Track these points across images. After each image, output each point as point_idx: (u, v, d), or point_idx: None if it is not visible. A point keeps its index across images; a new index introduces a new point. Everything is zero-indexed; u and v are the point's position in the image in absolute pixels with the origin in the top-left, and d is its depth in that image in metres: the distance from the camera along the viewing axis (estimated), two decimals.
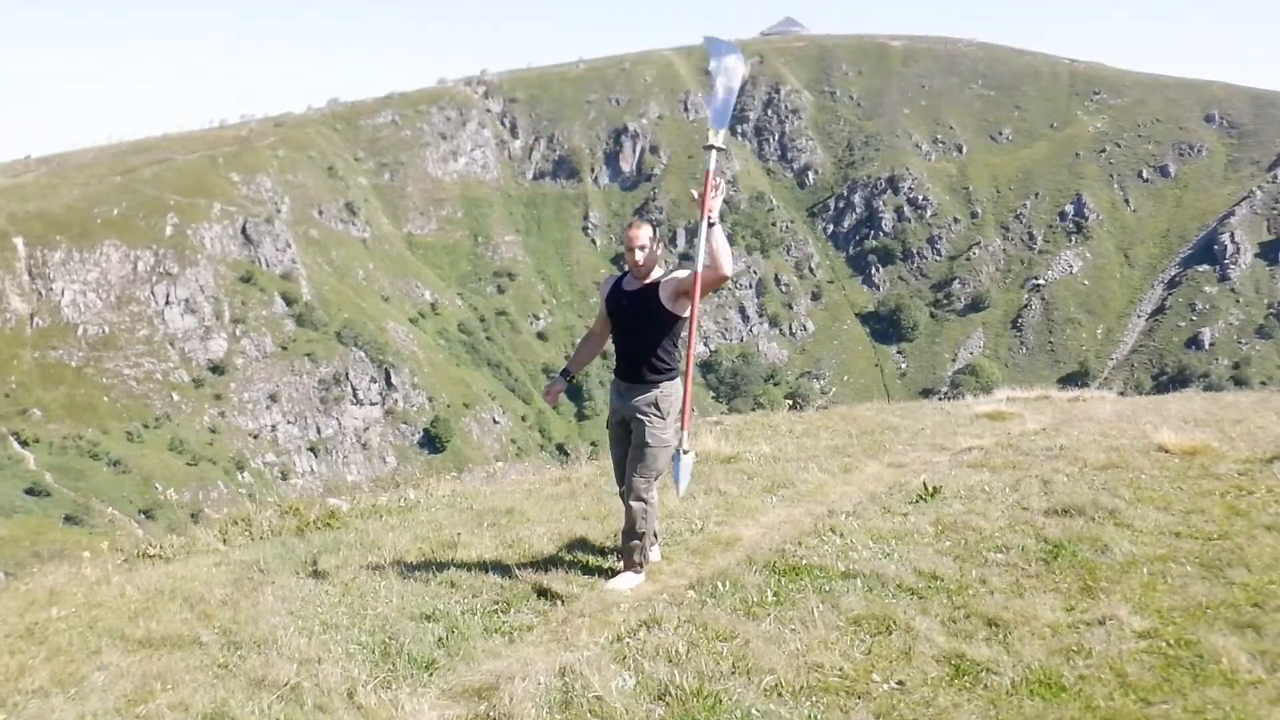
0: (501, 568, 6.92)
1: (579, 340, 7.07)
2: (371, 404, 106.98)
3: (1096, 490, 7.85)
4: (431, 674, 5.22)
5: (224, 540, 9.10)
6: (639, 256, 6.61)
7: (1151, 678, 4.64)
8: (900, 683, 4.74)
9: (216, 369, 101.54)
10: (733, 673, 4.90)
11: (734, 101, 6.71)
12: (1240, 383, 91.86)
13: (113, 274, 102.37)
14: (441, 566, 7.08)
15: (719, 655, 5.10)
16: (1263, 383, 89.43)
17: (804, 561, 6.49)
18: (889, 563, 6.38)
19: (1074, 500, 7.49)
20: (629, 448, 6.66)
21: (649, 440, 6.51)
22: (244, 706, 4.75)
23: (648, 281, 6.59)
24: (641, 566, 6.67)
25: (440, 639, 5.63)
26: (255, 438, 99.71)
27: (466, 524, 8.50)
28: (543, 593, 6.35)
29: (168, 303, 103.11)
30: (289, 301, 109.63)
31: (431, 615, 5.98)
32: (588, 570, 6.87)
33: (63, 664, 5.60)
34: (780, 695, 4.68)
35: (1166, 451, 8.99)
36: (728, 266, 6.28)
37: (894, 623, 5.40)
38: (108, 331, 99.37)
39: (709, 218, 6.26)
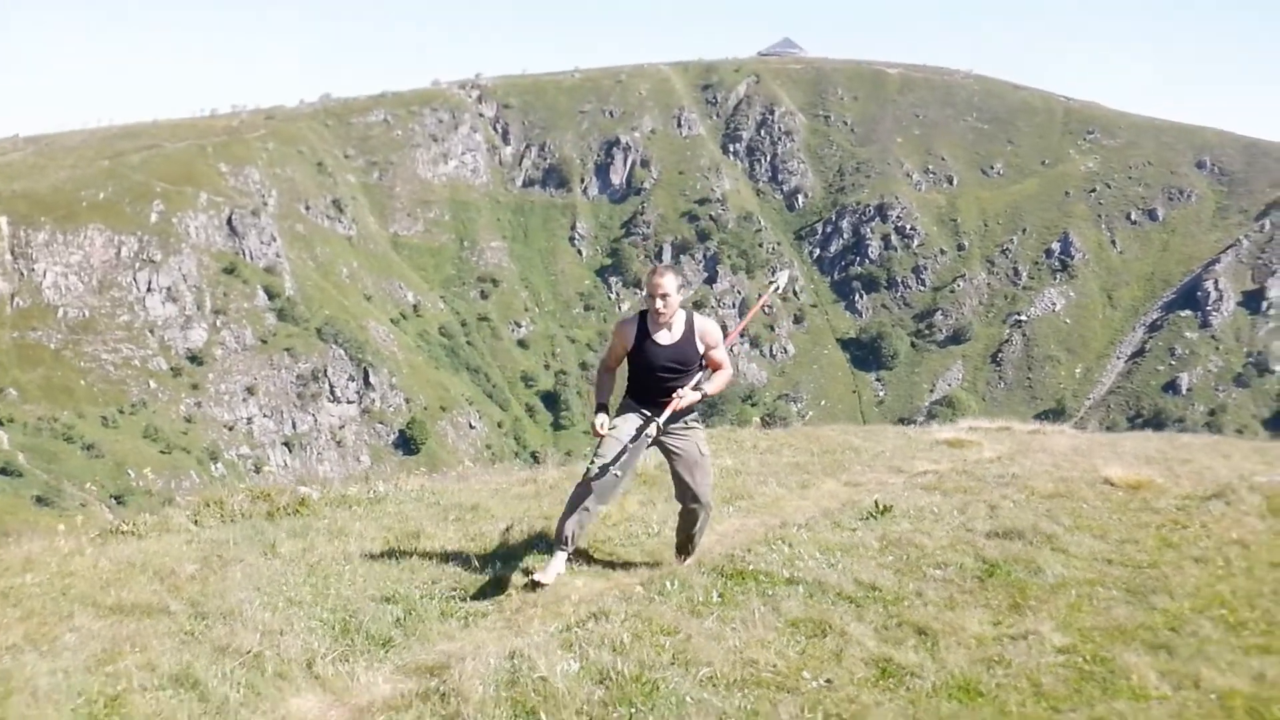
0: (462, 559, 7.20)
1: (596, 376, 7.15)
2: (349, 402, 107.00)
3: (1039, 516, 8.15)
4: (388, 651, 5.50)
5: (196, 521, 9.32)
6: (660, 305, 6.78)
7: (1064, 689, 4.93)
8: (828, 681, 5.02)
9: (195, 359, 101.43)
10: (672, 663, 5.18)
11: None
12: (1215, 430, 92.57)
13: (95, 258, 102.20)
14: (404, 555, 7.35)
15: (661, 647, 5.37)
16: (1238, 431, 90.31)
17: (751, 567, 6.78)
18: (832, 572, 6.66)
19: (1016, 524, 7.79)
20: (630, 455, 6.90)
21: (704, 451, 7.08)
22: (208, 670, 5.02)
23: (681, 333, 6.87)
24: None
25: (398, 619, 5.91)
26: (230, 429, 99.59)
27: (432, 517, 8.76)
28: (499, 583, 6.62)
29: (149, 290, 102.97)
30: (271, 295, 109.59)
31: (391, 598, 6.25)
32: (543, 566, 7.13)
33: (36, 625, 5.82)
34: (715, 686, 4.95)
35: (1112, 484, 9.30)
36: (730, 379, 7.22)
37: (829, 627, 5.68)
38: (88, 315, 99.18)
39: (697, 398, 6.91)
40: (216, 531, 8.66)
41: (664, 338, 6.84)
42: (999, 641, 5.53)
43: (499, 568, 6.95)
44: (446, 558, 7.23)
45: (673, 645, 5.41)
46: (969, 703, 4.79)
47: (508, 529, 8.14)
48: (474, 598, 6.39)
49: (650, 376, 6.87)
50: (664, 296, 6.75)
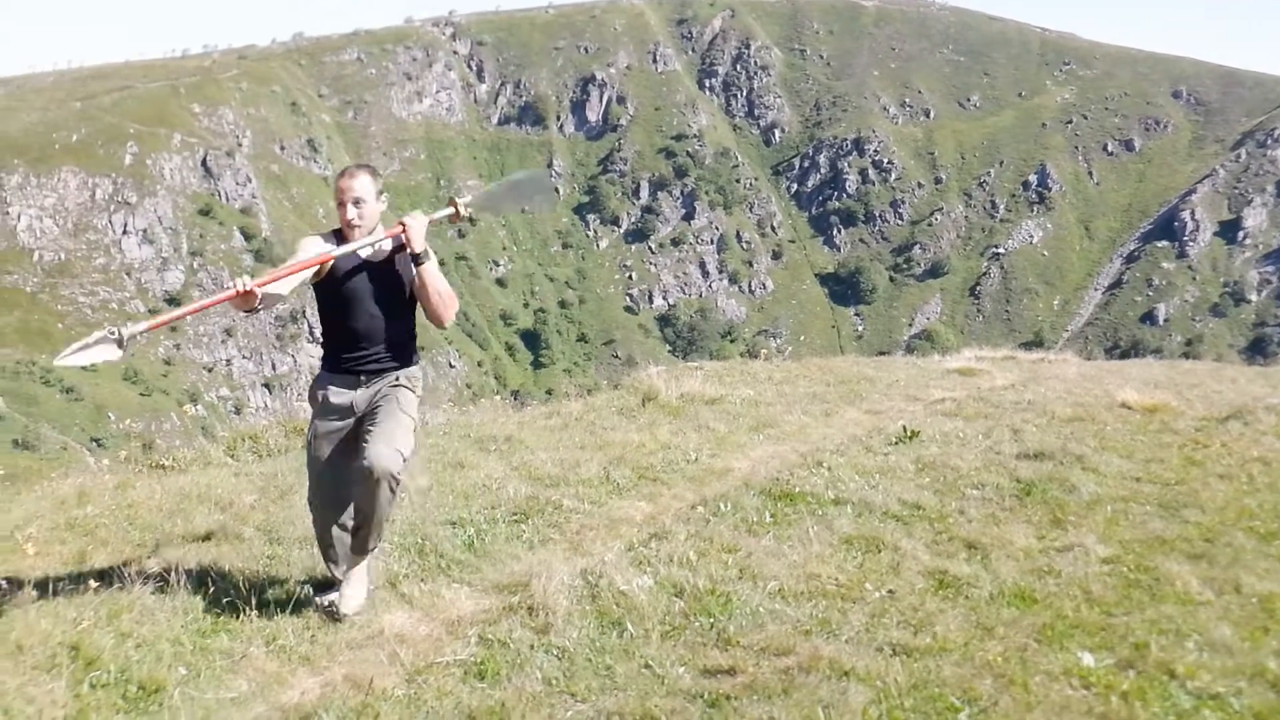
0: (513, 486, 7.40)
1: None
2: None
3: (1064, 439, 8.43)
4: (463, 571, 5.72)
5: (232, 456, 9.52)
6: (351, 214, 5.28)
7: (1114, 595, 5.21)
8: (890, 591, 5.29)
9: (173, 300, 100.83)
10: (740, 578, 5.44)
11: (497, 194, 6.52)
12: (1192, 360, 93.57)
13: (70, 200, 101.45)
14: (456, 484, 7.55)
15: (726, 564, 5.63)
16: (1215, 359, 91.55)
17: (796, 489, 7.04)
18: (875, 493, 6.93)
19: (1043, 447, 8.08)
20: (350, 459, 5.09)
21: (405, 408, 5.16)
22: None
23: (387, 248, 5.40)
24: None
25: (468, 542, 6.12)
26: (210, 371, 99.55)
27: (470, 449, 8.94)
28: (555, 507, 6.83)
29: (125, 232, 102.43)
30: (248, 236, 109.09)
31: (457, 522, 6.46)
32: (593, 491, 7.36)
33: (114, 552, 6.02)
34: (784, 598, 5.21)
35: (1129, 408, 9.59)
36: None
37: (882, 543, 5.95)
38: (64, 258, 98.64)
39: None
40: (260, 465, 8.84)
41: (365, 253, 5.35)
42: (1046, 554, 5.81)
43: (551, 493, 7.16)
44: (497, 486, 7.42)
45: (736, 562, 5.66)
46: (1027, 609, 5.06)
47: (547, 458, 8.36)
48: (534, 521, 6.60)
49: (350, 310, 5.31)
50: (357, 202, 5.29)
